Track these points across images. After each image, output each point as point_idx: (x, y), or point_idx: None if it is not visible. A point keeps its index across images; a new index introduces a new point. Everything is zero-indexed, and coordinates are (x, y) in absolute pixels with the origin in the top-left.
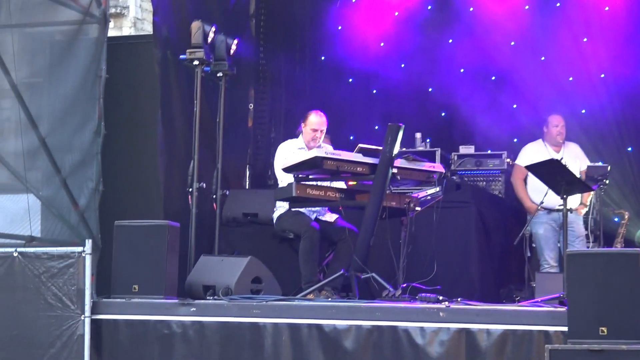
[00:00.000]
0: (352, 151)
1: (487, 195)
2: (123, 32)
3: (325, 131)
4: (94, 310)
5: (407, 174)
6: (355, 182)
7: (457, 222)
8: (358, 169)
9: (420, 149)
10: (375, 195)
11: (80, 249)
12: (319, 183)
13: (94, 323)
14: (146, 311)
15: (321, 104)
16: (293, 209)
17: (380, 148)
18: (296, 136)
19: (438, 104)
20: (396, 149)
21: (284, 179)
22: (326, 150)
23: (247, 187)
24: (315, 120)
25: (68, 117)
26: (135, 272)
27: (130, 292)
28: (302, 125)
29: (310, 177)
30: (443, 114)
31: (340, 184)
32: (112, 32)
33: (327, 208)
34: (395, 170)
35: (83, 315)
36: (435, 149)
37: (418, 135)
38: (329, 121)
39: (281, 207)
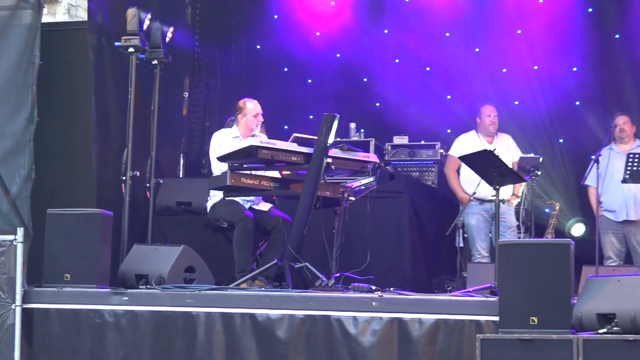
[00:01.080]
0: (287, 140)
1: (421, 185)
2: (57, 18)
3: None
4: (25, 300)
5: (341, 164)
6: (289, 172)
7: (390, 212)
8: (293, 158)
9: (355, 139)
10: (310, 185)
11: (11, 237)
12: (254, 172)
13: (25, 312)
14: (78, 300)
15: (256, 93)
16: (227, 198)
17: (315, 137)
18: (228, 126)
19: (373, 94)
20: (331, 139)
21: (218, 168)
22: (261, 139)
23: (181, 176)
24: (254, 106)
25: (0, 104)
26: (68, 261)
27: (62, 281)
28: (239, 115)
29: (244, 166)
30: (377, 104)
31: (275, 173)
32: (46, 19)
33: (261, 197)
34: (329, 160)
35: (14, 305)
36: (370, 139)
37: (352, 125)
38: (264, 111)
39: (215, 196)
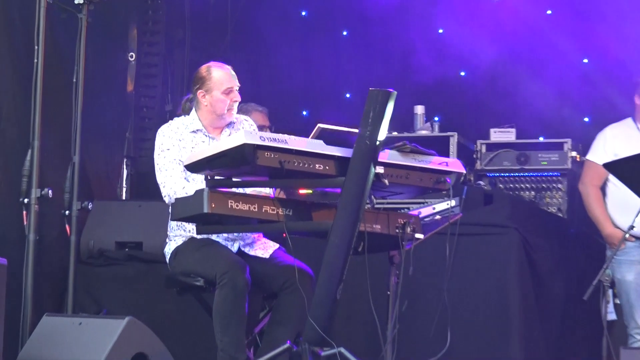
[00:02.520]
0: (308, 136)
1: (538, 213)
2: None
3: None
4: None
5: (401, 177)
6: (311, 191)
7: (486, 260)
8: (317, 166)
9: (424, 133)
10: (346, 213)
11: None
12: (246, 191)
13: None
14: None
15: (254, 56)
16: (201, 237)
17: (355, 131)
18: (183, 111)
19: (455, 58)
20: (383, 133)
21: (174, 184)
22: (261, 134)
23: (123, 197)
24: (224, 75)
25: None
26: None
27: None
28: (200, 92)
29: (233, 179)
30: (462, 74)
31: (272, 190)
32: None
33: (260, 234)
34: (381, 170)
35: None
36: (450, 133)
37: (419, 109)
38: (267, 84)
39: (179, 234)
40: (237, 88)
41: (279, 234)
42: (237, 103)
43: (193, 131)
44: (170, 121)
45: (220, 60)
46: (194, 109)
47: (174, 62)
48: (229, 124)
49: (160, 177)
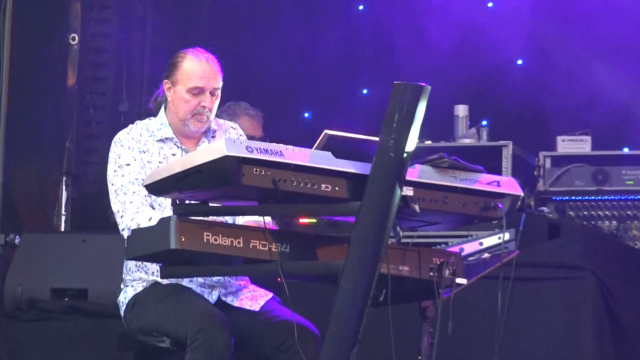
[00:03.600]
0: (310, 145)
1: (620, 250)
2: None
3: (219, 95)
4: None
5: (437, 201)
6: (315, 219)
7: (551, 311)
8: (322, 186)
9: (468, 141)
10: (363, 250)
11: None
12: (225, 219)
13: None
14: None
15: (241, 43)
16: (167, 282)
17: (375, 139)
18: (155, 110)
19: (509, 41)
20: (412, 142)
21: (135, 213)
22: (249, 143)
23: (62, 229)
24: (197, 68)
25: None
26: None
27: None
28: (165, 81)
29: (209, 204)
30: (519, 62)
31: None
32: None
33: (247, 279)
34: (410, 192)
35: None
36: (503, 142)
37: (462, 110)
38: (256, 78)
39: (139, 277)
40: (215, 90)
41: (273, 279)
42: (210, 111)
43: (161, 139)
44: (130, 126)
45: (199, 45)
46: (162, 109)
47: (132, 47)
48: (207, 132)
49: (116, 204)
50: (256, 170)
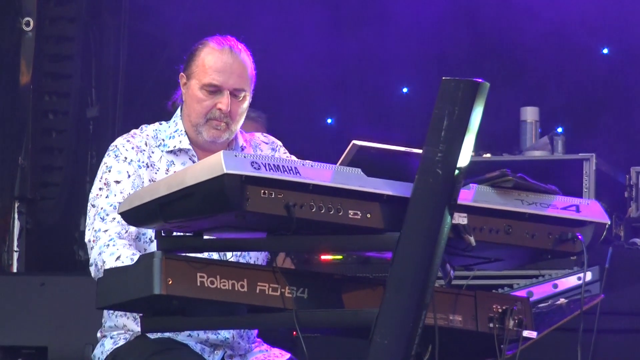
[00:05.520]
0: (334, 160)
1: None
2: None
3: (246, 99)
4: None
5: (499, 231)
6: (340, 256)
7: None
8: (350, 213)
9: (539, 154)
10: (402, 295)
11: None
12: (228, 256)
13: None
14: None
15: (247, 26)
16: (152, 336)
17: (417, 151)
18: (173, 111)
19: (592, 25)
20: (467, 155)
21: (115, 248)
22: (254, 158)
23: (15, 269)
24: (216, 62)
25: None
26: None
27: None
28: (181, 74)
29: (205, 238)
30: (606, 51)
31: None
32: None
33: (254, 332)
34: (464, 220)
35: None
36: (585, 155)
37: (530, 114)
38: (267, 74)
39: (121, 325)
40: (238, 92)
41: (288, 333)
42: (231, 118)
43: (172, 151)
44: (133, 131)
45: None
46: (178, 110)
47: (103, 34)
48: (233, 147)
49: (89, 231)
50: (264, 193)
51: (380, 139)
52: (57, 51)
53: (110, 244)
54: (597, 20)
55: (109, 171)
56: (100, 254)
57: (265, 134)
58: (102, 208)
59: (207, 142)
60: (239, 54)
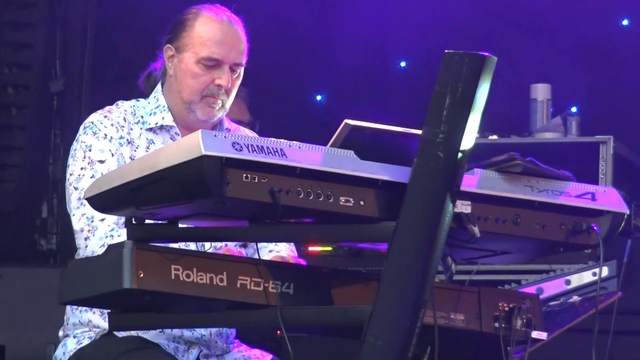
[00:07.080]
0: (323, 141)
1: None
2: None
3: (241, 75)
4: None
5: (506, 220)
6: (329, 247)
7: None
8: (342, 199)
9: (550, 136)
10: (398, 290)
11: None
12: (206, 247)
13: None
14: None
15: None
16: (122, 335)
17: (417, 132)
18: (145, 90)
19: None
20: (471, 137)
21: (100, 231)
22: (235, 138)
23: None
24: (215, 33)
25: None
26: None
27: None
28: (167, 46)
29: (179, 227)
30: (626, 22)
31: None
32: None
33: (233, 331)
34: (467, 208)
35: None
36: (601, 137)
37: (541, 92)
38: (250, 44)
39: (85, 322)
40: (237, 67)
41: (271, 332)
42: (227, 94)
43: (152, 129)
44: (108, 107)
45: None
46: (159, 85)
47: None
48: (219, 128)
49: (80, 219)
50: (247, 177)
51: (375, 118)
52: (17, 18)
53: (113, 234)
54: None
55: (89, 150)
56: (103, 246)
57: (251, 132)
58: (78, 198)
59: (198, 121)
60: (237, 25)
